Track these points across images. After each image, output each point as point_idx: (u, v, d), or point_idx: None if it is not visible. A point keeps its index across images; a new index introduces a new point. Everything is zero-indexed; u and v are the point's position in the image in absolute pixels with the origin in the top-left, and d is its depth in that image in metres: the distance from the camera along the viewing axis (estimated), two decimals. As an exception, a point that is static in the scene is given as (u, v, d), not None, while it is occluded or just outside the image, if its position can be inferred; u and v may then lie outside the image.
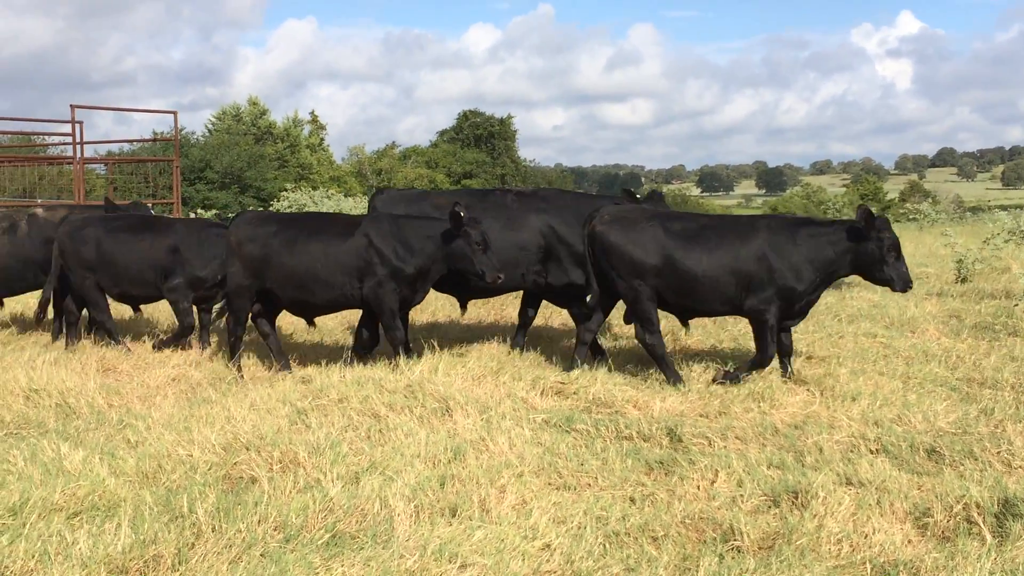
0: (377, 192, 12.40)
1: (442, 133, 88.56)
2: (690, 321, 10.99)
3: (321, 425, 7.92)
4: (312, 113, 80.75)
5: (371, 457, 7.08)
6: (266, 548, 5.56)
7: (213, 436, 7.48)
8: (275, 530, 5.79)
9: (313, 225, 10.71)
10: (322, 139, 79.12)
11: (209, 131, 71.57)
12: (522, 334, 11.58)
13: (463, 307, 12.12)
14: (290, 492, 6.40)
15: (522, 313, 11.74)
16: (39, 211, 13.56)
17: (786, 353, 9.94)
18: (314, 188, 46.20)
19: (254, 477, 6.81)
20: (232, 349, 10.88)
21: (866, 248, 9.58)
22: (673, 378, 9.70)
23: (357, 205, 33.32)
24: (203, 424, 7.86)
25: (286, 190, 43.35)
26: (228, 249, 10.78)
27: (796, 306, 9.77)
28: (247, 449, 7.26)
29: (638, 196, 11.41)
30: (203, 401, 8.97)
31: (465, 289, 11.27)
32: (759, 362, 9.71)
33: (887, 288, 9.82)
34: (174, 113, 30.32)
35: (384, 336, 10.60)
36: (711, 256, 9.70)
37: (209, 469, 6.97)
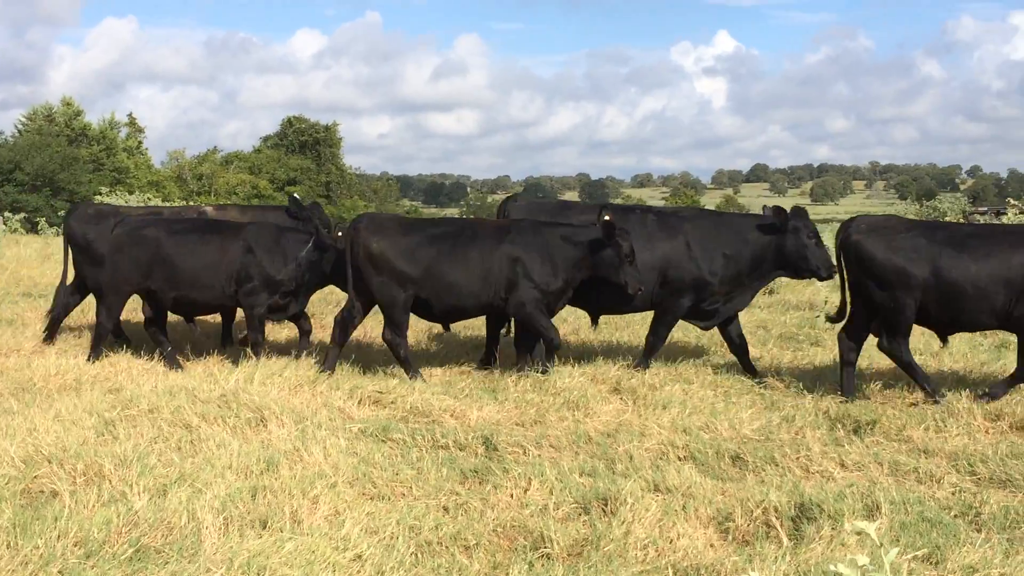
0: (509, 199, 12.32)
1: (266, 139, 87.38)
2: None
3: (129, 436, 7.70)
4: (130, 115, 78.85)
5: (181, 469, 6.91)
6: (65, 564, 5.36)
7: (12, 448, 7.18)
8: (75, 545, 5.59)
9: (465, 233, 10.66)
10: (140, 142, 77.16)
11: (19, 131, 68.82)
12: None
13: (595, 321, 12.21)
14: (93, 506, 6.19)
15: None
16: (209, 209, 13.57)
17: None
18: (131, 192, 45.11)
19: (55, 491, 6.57)
20: (404, 362, 10.60)
21: None
22: (847, 390, 9.64)
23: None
24: (2, 436, 7.54)
25: (101, 194, 42.15)
26: (365, 254, 10.46)
27: None
28: (49, 462, 6.99)
29: (786, 211, 10.91)
30: (3, 412, 8.58)
31: (600, 304, 11.26)
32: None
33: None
34: (-21, 111, 29.08)
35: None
36: (982, 265, 9.21)
37: (7, 483, 6.67)
